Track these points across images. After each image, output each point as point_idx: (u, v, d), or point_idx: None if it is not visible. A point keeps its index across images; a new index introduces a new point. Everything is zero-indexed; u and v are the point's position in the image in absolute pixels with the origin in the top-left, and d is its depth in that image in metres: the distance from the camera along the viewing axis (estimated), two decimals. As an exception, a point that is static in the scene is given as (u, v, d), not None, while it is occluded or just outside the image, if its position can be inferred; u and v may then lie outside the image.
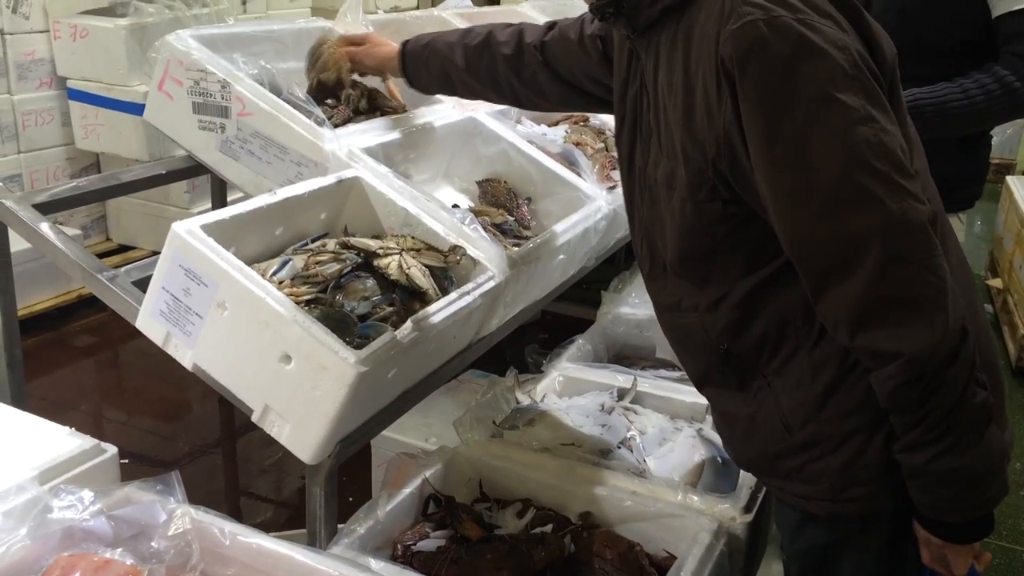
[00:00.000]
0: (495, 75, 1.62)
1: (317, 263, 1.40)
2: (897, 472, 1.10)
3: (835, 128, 1.01)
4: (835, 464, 1.15)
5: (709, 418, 2.00)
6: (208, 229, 1.31)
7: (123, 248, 4.00)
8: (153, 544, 1.10)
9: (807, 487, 1.19)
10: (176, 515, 1.16)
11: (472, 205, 1.93)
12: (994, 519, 1.12)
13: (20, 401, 1.66)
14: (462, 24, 2.42)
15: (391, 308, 1.41)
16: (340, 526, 1.47)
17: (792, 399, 1.17)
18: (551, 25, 1.58)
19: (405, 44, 1.73)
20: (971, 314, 1.13)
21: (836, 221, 1.02)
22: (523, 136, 2.06)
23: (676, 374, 2.17)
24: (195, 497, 1.30)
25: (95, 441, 1.34)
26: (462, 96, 1.77)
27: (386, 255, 1.44)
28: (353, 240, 1.47)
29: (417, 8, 5.37)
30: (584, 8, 1.28)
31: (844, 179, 1.01)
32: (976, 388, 1.05)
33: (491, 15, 2.74)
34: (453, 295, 1.44)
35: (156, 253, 1.36)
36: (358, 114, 1.91)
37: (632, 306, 2.58)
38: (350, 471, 2.29)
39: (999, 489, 1.09)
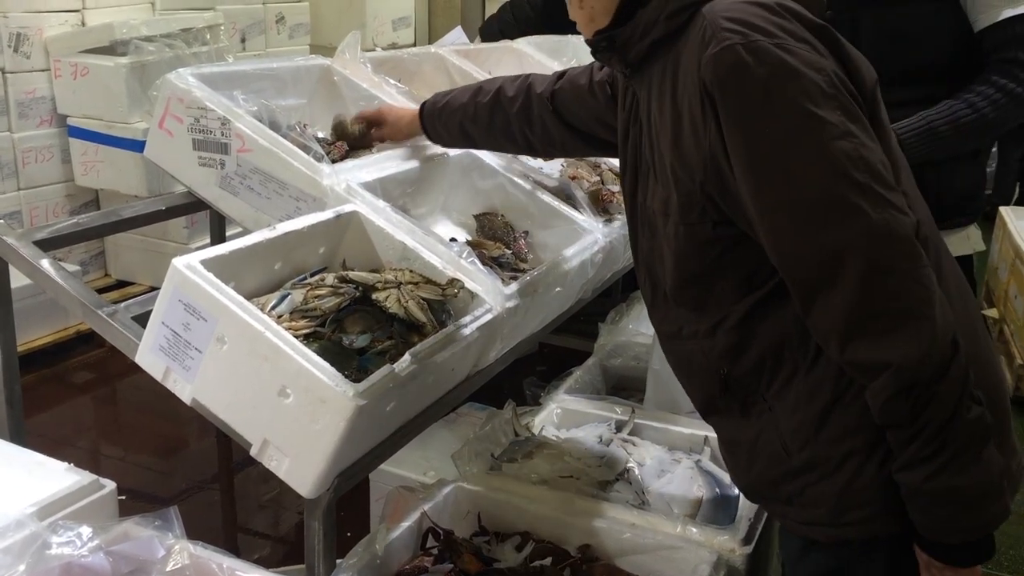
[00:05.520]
0: (509, 128, 1.71)
1: (316, 297, 1.41)
2: (896, 494, 1.10)
3: (815, 142, 1.03)
4: (833, 487, 1.15)
5: (708, 449, 2.00)
6: (208, 264, 1.32)
7: (121, 284, 4.00)
8: (151, 580, 1.09)
9: (807, 512, 1.19)
10: (174, 551, 1.16)
11: (470, 239, 1.94)
12: (995, 542, 1.11)
13: (19, 437, 1.66)
14: (458, 61, 2.46)
15: (389, 341, 1.42)
16: (339, 561, 1.46)
17: (791, 422, 1.17)
18: (561, 74, 1.66)
19: (423, 106, 1.83)
20: (970, 338, 1.13)
21: (819, 233, 1.04)
22: (520, 170, 2.08)
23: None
24: (193, 533, 1.29)
25: (93, 476, 1.35)
26: (483, 148, 1.88)
27: (384, 289, 1.45)
28: (351, 274, 1.48)
29: (415, 45, 5.44)
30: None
31: (826, 192, 1.03)
32: (971, 403, 1.05)
33: (486, 52, 2.77)
34: (450, 328, 1.45)
35: (154, 288, 1.37)
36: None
37: (629, 337, 2.59)
38: (348, 505, 2.28)
39: (1000, 511, 1.08)
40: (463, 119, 1.75)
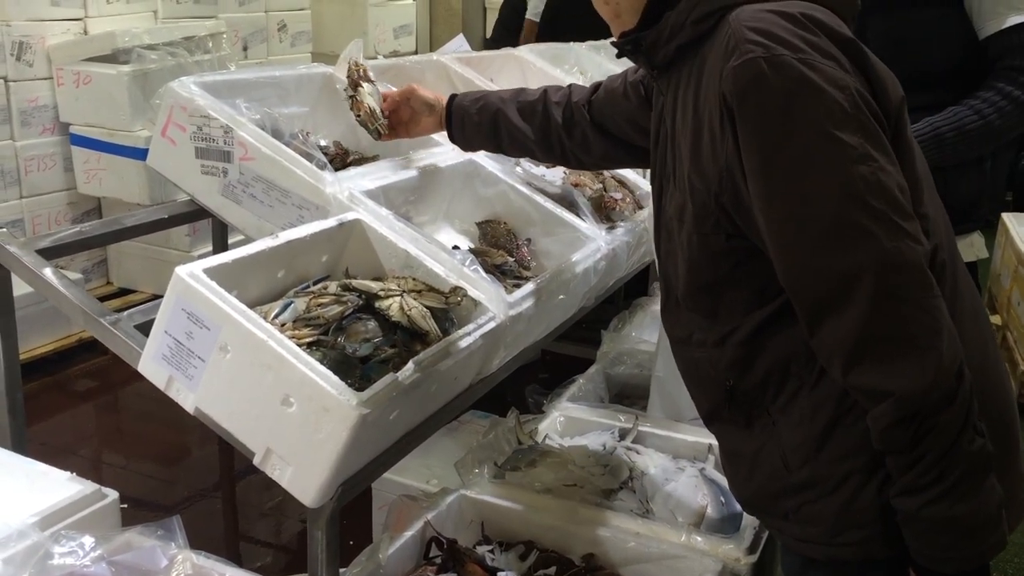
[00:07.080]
0: (547, 132, 1.66)
1: (319, 305, 1.40)
2: (894, 518, 1.09)
3: (832, 164, 1.01)
4: (831, 507, 1.14)
5: (712, 457, 1.99)
6: (211, 272, 1.32)
7: (124, 292, 4.00)
8: (154, 590, 1.09)
9: (804, 529, 1.18)
10: (177, 560, 1.16)
11: (472, 246, 1.94)
12: (989, 572, 1.09)
13: (21, 446, 1.65)
14: (460, 69, 2.46)
15: (393, 350, 1.41)
16: (342, 570, 1.46)
17: (793, 438, 1.16)
18: (598, 85, 1.66)
19: (454, 96, 1.76)
20: (981, 358, 1.12)
21: (830, 256, 1.02)
22: (522, 177, 2.08)
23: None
24: (195, 542, 1.29)
25: (96, 486, 1.34)
26: (505, 151, 1.77)
27: (387, 297, 1.45)
28: (354, 282, 1.48)
29: (416, 53, 5.45)
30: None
31: (840, 215, 1.01)
32: (974, 435, 1.03)
33: (488, 59, 2.77)
34: (454, 336, 1.45)
35: (157, 296, 1.37)
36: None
37: (632, 345, 2.58)
38: (351, 514, 2.26)
39: (996, 542, 1.06)
40: (499, 114, 1.68)
